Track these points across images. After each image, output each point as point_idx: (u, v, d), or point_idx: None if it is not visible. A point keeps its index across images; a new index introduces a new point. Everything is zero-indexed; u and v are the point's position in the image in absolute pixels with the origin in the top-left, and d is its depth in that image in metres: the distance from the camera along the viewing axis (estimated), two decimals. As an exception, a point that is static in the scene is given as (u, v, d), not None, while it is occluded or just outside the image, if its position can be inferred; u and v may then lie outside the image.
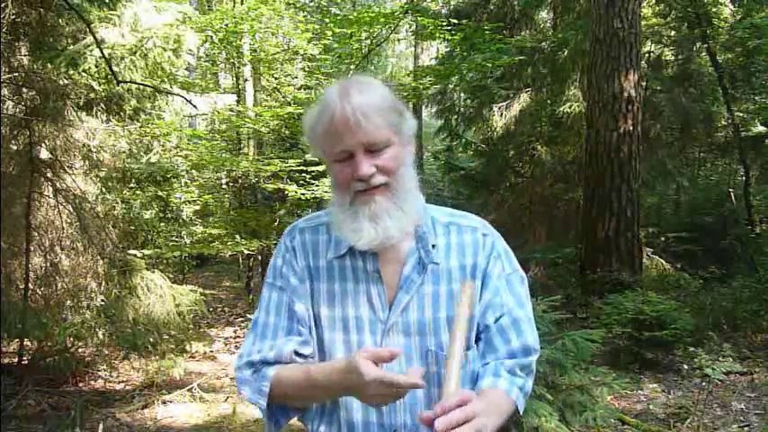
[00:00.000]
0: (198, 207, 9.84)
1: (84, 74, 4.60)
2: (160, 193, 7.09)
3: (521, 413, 1.25)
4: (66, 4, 4.28)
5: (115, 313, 5.09)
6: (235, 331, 7.32)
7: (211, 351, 6.43)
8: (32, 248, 4.96)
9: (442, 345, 1.21)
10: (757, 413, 4.40)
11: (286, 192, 7.77)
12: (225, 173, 8.70)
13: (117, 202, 6.09)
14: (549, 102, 9.86)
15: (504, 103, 9.86)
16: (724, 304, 6.55)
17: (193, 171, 8.18)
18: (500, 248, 1.29)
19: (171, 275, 7.19)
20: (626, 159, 7.33)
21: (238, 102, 10.20)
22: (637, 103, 7.44)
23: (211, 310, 8.36)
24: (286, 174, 7.90)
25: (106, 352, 5.18)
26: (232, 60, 10.47)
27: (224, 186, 10.01)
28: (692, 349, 5.21)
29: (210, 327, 7.56)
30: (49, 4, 4.45)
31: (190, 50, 5.62)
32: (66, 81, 4.78)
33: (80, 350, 5.16)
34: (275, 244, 1.40)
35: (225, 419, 4.55)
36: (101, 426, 4.18)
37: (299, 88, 9.31)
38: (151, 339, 5.08)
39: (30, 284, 4.91)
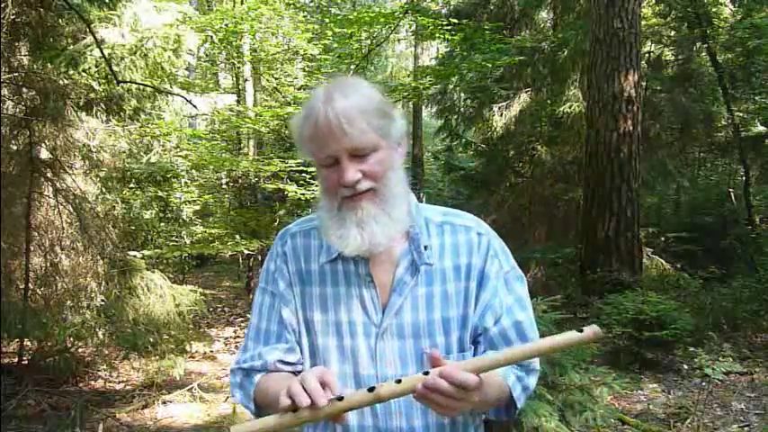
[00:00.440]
0: (198, 207, 9.85)
1: (84, 74, 4.60)
2: (160, 193, 7.11)
3: (518, 407, 1.22)
4: (66, 4, 4.28)
5: (115, 313, 5.09)
6: (235, 331, 7.33)
7: (211, 351, 6.43)
8: (32, 248, 4.96)
9: (436, 347, 1.20)
10: (757, 413, 4.40)
11: (286, 192, 7.77)
12: (225, 173, 8.70)
13: (117, 202, 6.10)
14: (549, 102, 9.86)
15: (504, 103, 9.86)
16: (724, 304, 6.55)
17: (193, 171, 8.18)
18: (496, 247, 1.26)
19: (171, 275, 7.20)
20: (626, 159, 7.33)
21: (238, 102, 10.21)
22: (637, 103, 7.45)
23: (211, 310, 8.37)
24: (286, 174, 7.91)
25: (106, 352, 5.18)
26: (232, 60, 10.48)
27: (224, 186, 10.02)
28: (692, 349, 5.21)
29: (210, 327, 7.56)
30: (48, 4, 4.45)
31: (190, 50, 5.63)
32: (66, 81, 4.78)
33: (80, 350, 5.16)
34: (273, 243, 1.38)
35: (225, 419, 4.55)
36: (101, 426, 4.18)
37: (299, 88, 9.30)
38: (151, 339, 5.08)
39: (30, 284, 4.91)
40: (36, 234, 5.01)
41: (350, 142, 1.11)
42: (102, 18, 4.80)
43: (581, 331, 0.98)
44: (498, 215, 9.57)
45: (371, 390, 0.98)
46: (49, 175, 4.95)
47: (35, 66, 4.70)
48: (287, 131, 8.30)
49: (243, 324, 7.58)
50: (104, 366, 5.31)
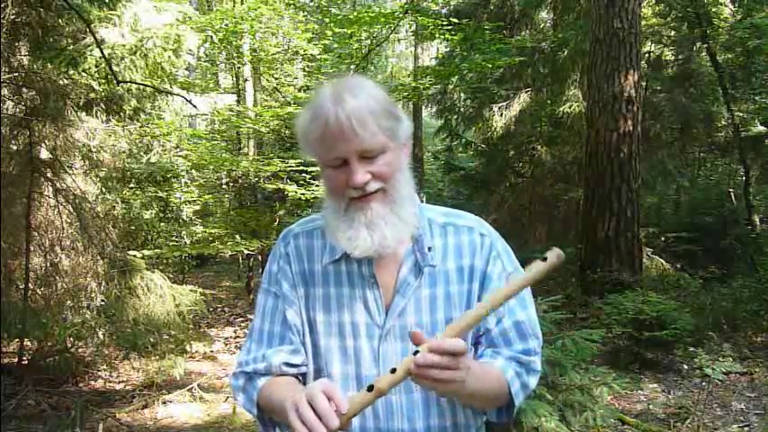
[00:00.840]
0: (198, 207, 9.85)
1: (84, 74, 4.60)
2: (160, 194, 7.11)
3: (516, 404, 1.21)
4: (66, 4, 4.28)
5: (115, 313, 5.09)
6: (235, 331, 7.32)
7: (211, 351, 6.43)
8: (32, 248, 4.95)
9: None
10: (757, 413, 4.40)
11: (286, 192, 7.77)
12: (225, 173, 8.70)
13: (117, 202, 6.10)
14: (549, 102, 9.87)
15: (504, 103, 9.86)
16: (724, 304, 6.55)
17: (193, 171, 8.18)
18: (499, 248, 1.26)
19: (171, 275, 7.20)
20: (626, 159, 7.33)
21: (238, 102, 10.22)
22: (637, 103, 7.45)
23: (211, 310, 8.36)
24: (286, 174, 7.90)
25: (106, 352, 5.18)
26: (232, 60, 10.48)
27: (224, 186, 10.02)
28: (692, 349, 5.21)
29: (210, 327, 7.56)
30: (48, 4, 4.45)
31: (190, 50, 5.63)
32: (66, 81, 4.78)
33: (80, 350, 5.16)
34: (275, 244, 1.36)
35: (225, 419, 4.55)
36: (101, 426, 4.18)
37: (300, 88, 9.31)
38: (151, 339, 5.08)
39: (30, 284, 4.91)
40: (36, 234, 5.01)
41: (360, 144, 1.10)
42: (102, 18, 4.80)
43: (545, 259, 1.02)
44: (498, 215, 9.58)
45: (370, 388, 0.98)
46: (49, 175, 4.94)
47: (35, 66, 4.70)
48: (287, 131, 8.30)
49: (243, 324, 7.58)
50: (104, 366, 5.31)
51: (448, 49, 10.19)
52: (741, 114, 9.51)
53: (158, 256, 7.41)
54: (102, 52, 4.26)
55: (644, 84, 8.70)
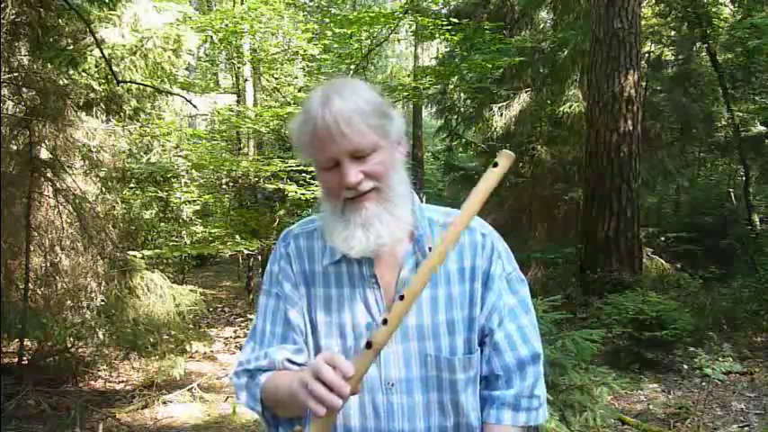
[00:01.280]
0: (198, 207, 9.84)
1: (84, 74, 4.60)
2: (160, 194, 7.10)
3: (541, 422, 1.25)
4: (66, 4, 4.28)
5: (115, 313, 5.09)
6: (235, 331, 7.32)
7: (211, 351, 6.43)
8: (32, 248, 4.95)
9: (440, 349, 1.20)
10: (757, 413, 4.40)
11: (286, 192, 7.77)
12: (225, 173, 8.70)
13: (117, 202, 6.10)
14: (549, 102, 9.86)
15: (504, 103, 9.86)
16: (724, 304, 6.55)
17: (193, 171, 8.18)
18: (500, 248, 1.26)
19: (171, 275, 7.20)
20: (626, 159, 7.33)
21: (238, 102, 10.22)
22: (637, 103, 7.45)
23: (211, 310, 8.36)
24: (286, 174, 7.90)
25: (106, 352, 5.17)
26: (232, 60, 10.49)
27: (224, 186, 10.01)
28: (692, 349, 5.20)
29: (210, 327, 7.56)
30: (48, 4, 4.45)
31: (190, 50, 5.63)
32: (66, 81, 4.78)
33: (80, 350, 5.16)
34: (275, 244, 1.36)
35: (225, 419, 4.56)
36: (101, 426, 4.18)
37: (300, 88, 9.31)
38: (151, 339, 5.08)
39: (30, 284, 4.91)
40: (36, 234, 5.01)
41: (349, 144, 1.10)
42: (102, 18, 4.80)
43: (496, 165, 1.04)
44: (498, 215, 9.57)
45: (368, 345, 0.99)
46: (49, 175, 4.94)
47: (35, 66, 4.70)
48: (287, 131, 8.30)
49: (243, 324, 7.58)
50: (104, 366, 5.30)
51: (448, 49, 10.20)
52: (741, 114, 9.51)
53: (158, 256, 7.41)
54: (102, 52, 4.26)
55: (644, 84, 8.70)
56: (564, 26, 9.86)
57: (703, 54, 9.84)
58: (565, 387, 3.10)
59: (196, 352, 6.22)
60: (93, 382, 5.23)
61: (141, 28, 4.85)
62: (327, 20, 8.51)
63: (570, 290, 7.51)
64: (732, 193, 10.14)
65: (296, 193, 7.56)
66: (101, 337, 4.92)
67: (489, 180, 1.03)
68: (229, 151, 9.80)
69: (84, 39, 4.58)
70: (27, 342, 4.96)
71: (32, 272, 5.00)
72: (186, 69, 10.07)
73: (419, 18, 8.32)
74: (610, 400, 4.26)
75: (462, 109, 10.73)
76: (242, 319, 7.92)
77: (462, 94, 10.59)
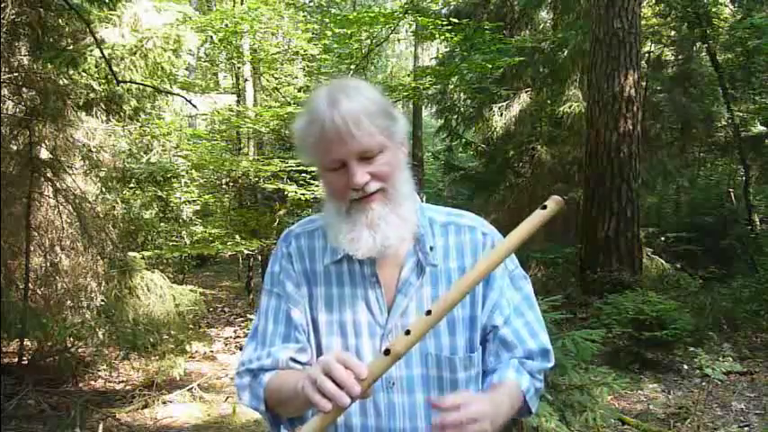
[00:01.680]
0: (198, 207, 9.84)
1: (84, 74, 4.60)
2: (160, 193, 7.09)
3: (533, 413, 1.23)
4: (66, 4, 4.28)
5: (115, 313, 5.09)
6: (235, 331, 7.32)
7: (211, 351, 6.43)
8: (32, 248, 4.96)
9: (441, 348, 1.20)
10: (757, 413, 4.40)
11: (286, 192, 7.77)
12: (225, 173, 8.70)
13: (117, 202, 6.10)
14: (549, 102, 9.87)
15: (504, 103, 9.87)
16: (724, 304, 6.56)
17: (193, 171, 8.18)
18: None
19: (171, 275, 7.21)
20: (626, 159, 7.33)
21: (238, 102, 10.21)
22: (637, 103, 7.45)
23: (211, 310, 8.36)
24: (286, 174, 7.90)
25: (106, 352, 5.18)
26: (232, 60, 10.49)
27: (224, 186, 10.02)
28: (692, 349, 5.21)
29: (210, 327, 7.56)
30: (48, 4, 4.45)
31: (190, 50, 5.64)
32: (66, 81, 4.78)
33: (80, 350, 5.16)
34: (275, 244, 1.36)
35: (225, 419, 4.56)
36: (101, 426, 4.18)
37: (300, 88, 9.31)
38: (151, 339, 5.08)
39: (30, 284, 4.91)
40: (36, 234, 5.01)
41: (358, 145, 1.10)
42: (102, 18, 4.80)
43: (545, 207, 1.02)
44: (498, 215, 9.57)
45: (387, 352, 0.98)
46: (49, 175, 4.94)
47: (35, 66, 4.70)
48: (287, 131, 8.30)
49: (243, 324, 7.57)
50: (104, 366, 5.30)
51: (448, 49, 10.19)
52: (741, 114, 9.52)
53: (158, 256, 7.41)
54: (102, 52, 4.26)
55: (644, 84, 8.71)
56: (564, 26, 9.87)
57: (703, 54, 9.85)
58: (565, 387, 3.10)
59: (196, 352, 6.22)
60: (93, 382, 5.23)
61: (141, 28, 4.86)
62: (327, 20, 8.50)
63: (570, 290, 7.51)
64: (732, 193, 10.14)
65: (296, 193, 7.56)
66: (101, 337, 4.92)
67: (534, 221, 1.03)
68: (229, 151, 9.80)
69: (84, 39, 4.58)
70: (27, 342, 4.96)
71: (32, 272, 5.01)
72: (186, 69, 10.09)
73: (419, 18, 8.31)
74: (610, 400, 4.26)
75: (462, 109, 10.74)
76: (242, 319, 7.92)
77: (462, 94, 10.59)
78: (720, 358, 4.41)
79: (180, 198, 8.71)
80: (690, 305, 6.46)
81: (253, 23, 8.13)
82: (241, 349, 1.34)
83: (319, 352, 1.24)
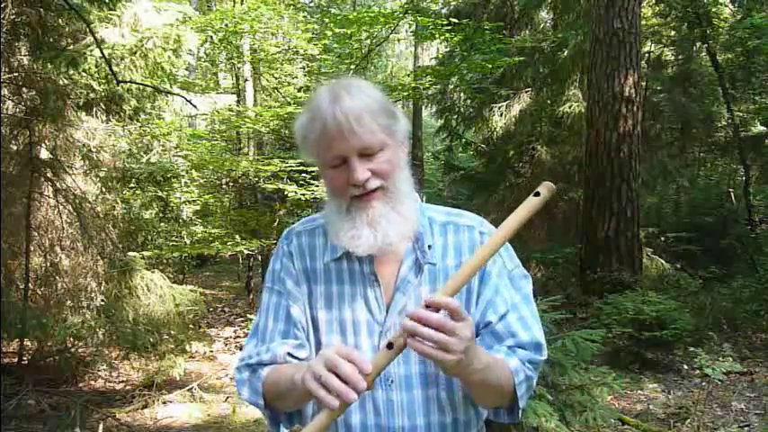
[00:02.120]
0: (198, 207, 9.84)
1: (84, 74, 4.60)
2: (160, 193, 7.09)
3: (521, 406, 1.20)
4: (66, 4, 4.29)
5: (115, 313, 5.09)
6: (235, 331, 7.32)
7: (211, 351, 6.43)
8: (32, 248, 4.96)
9: None
10: (757, 413, 4.40)
11: (286, 192, 7.77)
12: (225, 173, 8.70)
13: (117, 202, 6.10)
14: (549, 102, 9.86)
15: (504, 104, 9.86)
16: (724, 304, 6.56)
17: (193, 171, 8.18)
18: None
19: (171, 275, 7.20)
20: (626, 159, 7.33)
21: (238, 102, 10.22)
22: (637, 103, 7.45)
23: (211, 310, 8.37)
24: (286, 174, 7.90)
25: (106, 352, 5.18)
26: (232, 60, 10.49)
27: (224, 186, 10.02)
28: (692, 349, 5.21)
29: (210, 327, 7.56)
30: (48, 4, 4.45)
31: (190, 50, 5.63)
32: (66, 81, 4.78)
33: (80, 350, 5.16)
34: (275, 244, 1.38)
35: (225, 419, 4.56)
36: (101, 426, 4.18)
37: (300, 88, 9.30)
38: (151, 339, 5.08)
39: (30, 284, 4.91)
40: (36, 234, 5.02)
41: (360, 142, 1.12)
42: (102, 18, 4.80)
43: (537, 194, 1.04)
44: (498, 215, 9.56)
45: (390, 346, 0.98)
46: (49, 175, 4.95)
47: (35, 66, 4.70)
48: (287, 131, 8.30)
49: (243, 324, 7.57)
50: (104, 366, 5.30)
51: (448, 49, 10.18)
52: (741, 114, 9.52)
53: (158, 256, 7.41)
54: (102, 52, 4.26)
55: (644, 84, 8.70)
56: (564, 26, 9.86)
57: (703, 54, 9.85)
58: (565, 387, 3.09)
59: (196, 352, 6.22)
60: (93, 382, 5.23)
61: (141, 28, 4.86)
62: (327, 20, 8.49)
63: (570, 290, 7.51)
64: (732, 193, 10.14)
65: (296, 193, 7.56)
66: (101, 336, 4.92)
67: (528, 207, 1.05)
68: (229, 151, 9.80)
69: (84, 39, 4.58)
70: (27, 342, 4.97)
71: (32, 272, 5.01)
72: (186, 69, 10.09)
73: (419, 18, 8.31)
74: (610, 400, 4.26)
75: (462, 109, 10.73)
76: (242, 319, 7.92)
77: (462, 94, 10.59)
78: (720, 358, 4.41)
79: (180, 198, 8.71)
80: (690, 305, 6.45)
81: (253, 23, 8.14)
82: (241, 349, 1.35)
83: (318, 350, 1.24)
